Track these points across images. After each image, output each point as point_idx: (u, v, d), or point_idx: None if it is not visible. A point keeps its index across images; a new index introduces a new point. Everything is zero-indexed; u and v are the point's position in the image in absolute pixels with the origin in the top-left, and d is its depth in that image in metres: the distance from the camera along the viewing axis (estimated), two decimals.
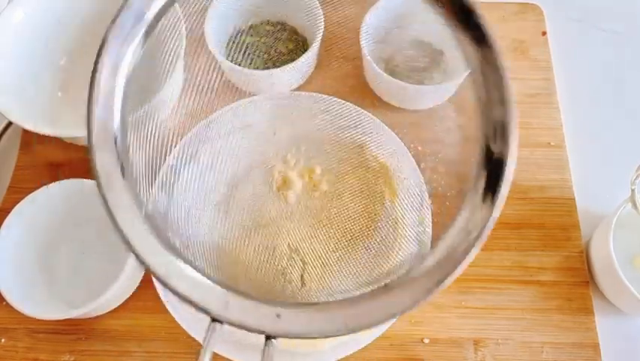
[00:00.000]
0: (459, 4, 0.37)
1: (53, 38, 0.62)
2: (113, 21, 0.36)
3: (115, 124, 0.36)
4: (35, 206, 0.53)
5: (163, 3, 0.39)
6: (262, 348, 0.32)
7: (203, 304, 0.34)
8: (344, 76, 0.68)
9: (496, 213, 0.35)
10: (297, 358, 0.49)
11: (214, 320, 0.34)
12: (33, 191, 0.53)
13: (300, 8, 0.65)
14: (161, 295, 0.47)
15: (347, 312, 0.34)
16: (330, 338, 0.49)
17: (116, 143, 0.36)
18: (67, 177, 0.55)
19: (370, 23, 0.64)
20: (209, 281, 0.35)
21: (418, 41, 0.69)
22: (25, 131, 0.64)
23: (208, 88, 0.66)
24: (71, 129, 0.55)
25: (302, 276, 0.51)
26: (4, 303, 0.49)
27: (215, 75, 0.61)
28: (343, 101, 0.54)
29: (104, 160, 0.36)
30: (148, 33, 0.39)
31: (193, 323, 0.47)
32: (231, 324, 0.34)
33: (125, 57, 0.37)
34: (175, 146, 0.53)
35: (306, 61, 0.62)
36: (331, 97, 0.54)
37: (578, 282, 0.57)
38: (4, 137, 0.55)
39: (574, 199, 0.60)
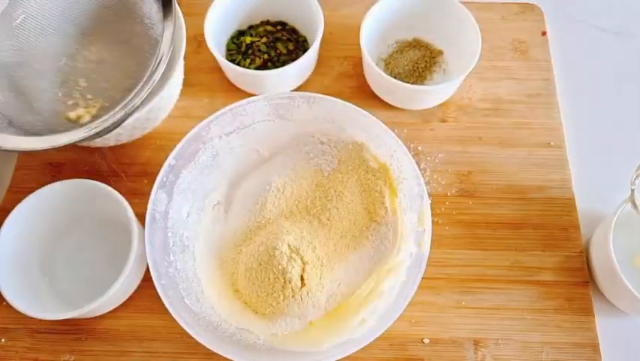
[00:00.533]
0: None
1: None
2: None
3: None
4: (35, 206, 0.53)
5: None
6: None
7: None
8: (344, 76, 0.68)
9: None
10: (297, 358, 0.49)
11: None
12: (33, 191, 0.53)
13: (300, 8, 0.65)
14: (161, 295, 0.47)
15: None
16: (330, 338, 0.49)
17: None
18: (67, 177, 0.55)
19: (370, 23, 0.64)
20: None
21: (417, 41, 0.69)
22: None
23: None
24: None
25: (302, 276, 0.51)
26: (5, 303, 0.49)
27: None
28: (343, 101, 0.54)
29: None
30: None
31: (193, 323, 0.47)
32: None
33: None
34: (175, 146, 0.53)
35: (306, 61, 0.62)
36: (331, 97, 0.54)
37: (578, 282, 0.57)
38: None
39: (574, 199, 0.61)
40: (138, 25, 0.55)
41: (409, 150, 0.54)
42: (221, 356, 0.46)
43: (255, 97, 0.55)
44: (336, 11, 0.71)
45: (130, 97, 0.49)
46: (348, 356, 0.46)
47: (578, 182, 0.62)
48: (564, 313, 0.55)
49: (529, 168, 0.62)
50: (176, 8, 0.54)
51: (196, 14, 0.60)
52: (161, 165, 0.52)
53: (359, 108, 0.54)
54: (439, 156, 0.63)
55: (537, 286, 0.56)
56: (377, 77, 0.62)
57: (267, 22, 0.69)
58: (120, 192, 0.53)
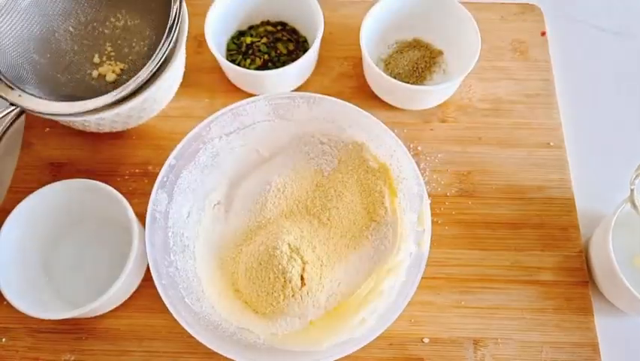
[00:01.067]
0: None
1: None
2: None
3: None
4: (36, 206, 0.53)
5: None
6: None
7: None
8: (344, 76, 0.68)
9: None
10: (297, 357, 0.49)
11: None
12: (34, 191, 0.53)
13: (300, 8, 0.66)
14: (161, 295, 0.47)
15: None
16: (330, 338, 0.49)
17: None
18: (68, 177, 0.55)
19: (370, 23, 0.64)
20: None
21: (417, 41, 0.69)
22: (27, 132, 0.64)
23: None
24: None
25: (302, 275, 0.51)
26: (5, 303, 0.49)
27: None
28: (343, 101, 0.54)
29: None
30: None
31: (193, 323, 0.48)
32: None
33: None
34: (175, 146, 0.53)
35: (306, 61, 0.62)
36: (331, 97, 0.54)
37: (578, 282, 0.57)
38: (5, 137, 0.55)
39: (573, 199, 0.61)
40: None
41: (409, 150, 0.54)
42: (221, 355, 0.46)
43: (255, 97, 0.55)
44: (336, 11, 0.72)
45: (151, 60, 0.52)
46: (348, 356, 0.46)
47: (578, 182, 0.62)
48: (563, 313, 0.55)
49: (528, 168, 0.62)
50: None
51: (196, 14, 0.60)
52: (161, 165, 0.52)
53: (359, 108, 0.54)
54: (439, 156, 0.63)
55: (536, 286, 0.57)
56: (377, 78, 0.63)
57: (268, 23, 0.69)
58: (120, 192, 0.53)
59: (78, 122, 0.55)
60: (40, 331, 0.55)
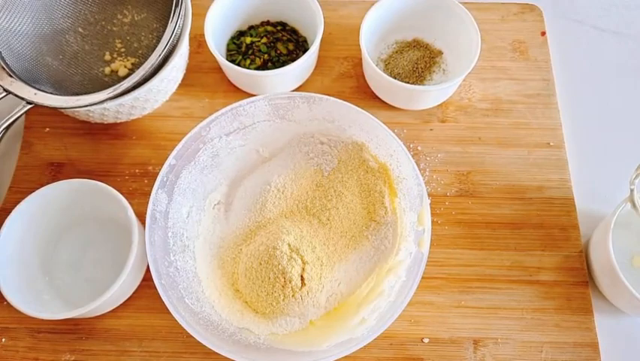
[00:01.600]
0: None
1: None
2: None
3: None
4: (36, 206, 0.53)
5: None
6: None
7: None
8: (344, 76, 0.68)
9: None
10: (297, 357, 0.49)
11: None
12: (34, 191, 0.53)
13: (300, 9, 0.66)
14: (161, 295, 0.47)
15: None
16: (330, 338, 0.49)
17: None
18: (68, 177, 0.55)
19: (370, 23, 0.64)
20: None
21: (417, 41, 0.69)
22: (27, 132, 0.64)
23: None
24: None
25: (302, 275, 0.51)
26: (5, 303, 0.49)
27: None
28: (343, 101, 0.54)
29: None
30: None
31: (193, 323, 0.47)
32: None
33: None
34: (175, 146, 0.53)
35: (306, 61, 0.62)
36: (331, 97, 0.54)
37: (578, 282, 0.57)
38: (5, 137, 0.55)
39: (573, 199, 0.61)
40: None
41: (409, 150, 0.54)
42: (221, 355, 0.46)
43: (255, 97, 0.55)
44: (336, 12, 0.72)
45: (158, 48, 0.54)
46: (348, 356, 0.46)
47: (578, 182, 0.62)
48: (563, 313, 0.55)
49: (528, 168, 0.62)
50: None
51: (196, 14, 0.60)
52: (161, 165, 0.52)
53: (359, 108, 0.54)
54: (439, 156, 0.63)
55: (537, 285, 0.57)
56: (377, 78, 0.63)
57: (268, 23, 0.69)
58: (120, 192, 0.53)
59: (82, 113, 0.56)
60: (40, 331, 0.55)
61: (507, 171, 0.62)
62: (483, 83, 0.67)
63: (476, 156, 0.63)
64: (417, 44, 0.68)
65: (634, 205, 0.50)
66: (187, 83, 0.65)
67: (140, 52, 0.63)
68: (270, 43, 0.67)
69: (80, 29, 0.62)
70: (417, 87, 0.62)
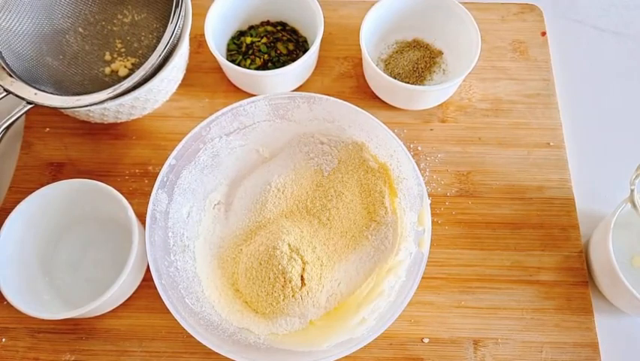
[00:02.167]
0: None
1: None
2: None
3: None
4: (36, 206, 0.53)
5: None
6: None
7: None
8: (344, 76, 0.68)
9: None
10: (297, 357, 0.49)
11: None
12: (34, 191, 0.53)
13: (300, 9, 0.66)
14: (161, 295, 0.47)
15: None
16: (330, 338, 0.49)
17: None
18: (68, 177, 0.55)
19: (370, 23, 0.64)
20: None
21: (417, 42, 0.69)
22: (27, 132, 0.64)
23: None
24: None
25: (302, 275, 0.51)
26: (5, 303, 0.49)
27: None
28: (343, 101, 0.54)
29: None
30: None
31: (193, 323, 0.47)
32: None
33: None
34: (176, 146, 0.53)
35: (306, 61, 0.62)
36: (331, 97, 0.54)
37: (578, 282, 0.57)
38: (6, 137, 0.55)
39: (573, 199, 0.61)
40: None
41: (409, 150, 0.54)
42: (221, 355, 0.46)
43: (255, 97, 0.55)
44: (336, 12, 0.72)
45: (159, 46, 0.55)
46: (348, 356, 0.46)
47: (578, 182, 0.62)
48: (563, 313, 0.55)
49: (528, 168, 0.62)
50: None
51: (196, 14, 0.60)
52: (161, 165, 0.52)
53: (359, 108, 0.54)
54: (439, 156, 0.63)
55: (537, 285, 0.57)
56: (377, 78, 0.63)
57: (268, 23, 0.69)
58: (120, 192, 0.53)
59: (82, 113, 0.57)
60: (40, 331, 0.55)
61: (507, 171, 0.62)
62: (483, 83, 0.67)
63: (476, 156, 0.63)
64: (417, 44, 0.68)
65: (634, 205, 0.50)
66: (187, 83, 0.65)
67: (140, 52, 0.63)
68: (270, 43, 0.67)
69: (81, 29, 0.62)
70: (417, 87, 0.62)
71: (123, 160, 0.62)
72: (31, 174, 0.62)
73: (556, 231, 0.59)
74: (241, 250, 0.54)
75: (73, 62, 0.61)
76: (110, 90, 0.53)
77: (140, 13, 0.63)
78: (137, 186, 0.61)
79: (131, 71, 0.61)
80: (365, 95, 0.66)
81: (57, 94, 0.54)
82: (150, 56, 0.54)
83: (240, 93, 0.66)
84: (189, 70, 0.65)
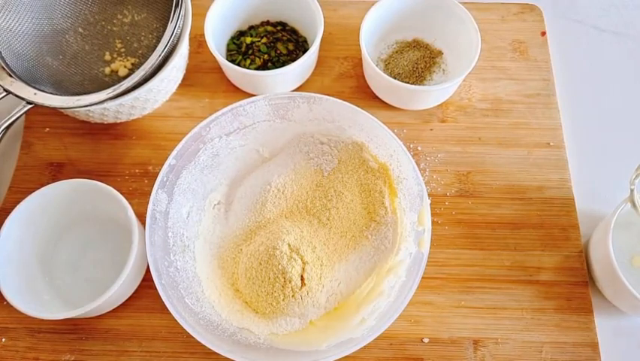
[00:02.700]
0: None
1: None
2: None
3: None
4: (36, 206, 0.53)
5: None
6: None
7: None
8: (344, 76, 0.68)
9: None
10: (297, 357, 0.49)
11: None
12: (34, 191, 0.53)
13: (300, 9, 0.66)
14: (161, 295, 0.47)
15: None
16: (330, 338, 0.49)
17: None
18: (68, 177, 0.55)
19: (370, 23, 0.64)
20: None
21: (417, 42, 0.69)
22: (27, 132, 0.64)
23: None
24: None
25: (302, 275, 0.51)
26: (5, 303, 0.49)
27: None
28: (343, 101, 0.54)
29: None
30: None
31: (193, 323, 0.47)
32: None
33: None
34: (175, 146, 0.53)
35: (306, 61, 0.62)
36: (331, 97, 0.54)
37: (578, 282, 0.57)
38: (6, 137, 0.55)
39: (573, 199, 0.61)
40: None
41: (409, 150, 0.54)
42: (221, 355, 0.46)
43: (255, 97, 0.55)
44: (336, 12, 0.72)
45: (159, 46, 0.55)
46: (348, 356, 0.46)
47: (578, 182, 0.62)
48: (563, 313, 0.55)
49: (528, 168, 0.62)
50: None
51: (196, 14, 0.60)
52: (161, 165, 0.52)
53: (359, 108, 0.54)
54: (439, 156, 0.63)
55: (537, 285, 0.57)
56: (377, 78, 0.63)
57: (268, 23, 0.69)
58: (120, 192, 0.53)
59: (82, 113, 0.57)
60: (40, 331, 0.55)
61: (507, 171, 0.62)
62: (483, 83, 0.67)
63: (476, 156, 0.63)
64: (417, 44, 0.68)
65: (634, 205, 0.50)
66: (187, 83, 0.65)
67: (140, 52, 0.63)
68: (270, 43, 0.67)
69: (80, 29, 0.62)
70: (417, 87, 0.62)
71: (123, 160, 0.62)
72: (31, 174, 0.62)
73: (556, 231, 0.59)
74: (241, 250, 0.54)
75: (73, 62, 0.61)
76: (109, 90, 0.53)
77: (140, 13, 0.63)
78: (137, 186, 0.61)
79: (131, 71, 0.61)
80: (365, 95, 0.66)
81: (57, 94, 0.54)
82: (150, 56, 0.54)
83: (240, 93, 0.66)
84: (189, 70, 0.65)
